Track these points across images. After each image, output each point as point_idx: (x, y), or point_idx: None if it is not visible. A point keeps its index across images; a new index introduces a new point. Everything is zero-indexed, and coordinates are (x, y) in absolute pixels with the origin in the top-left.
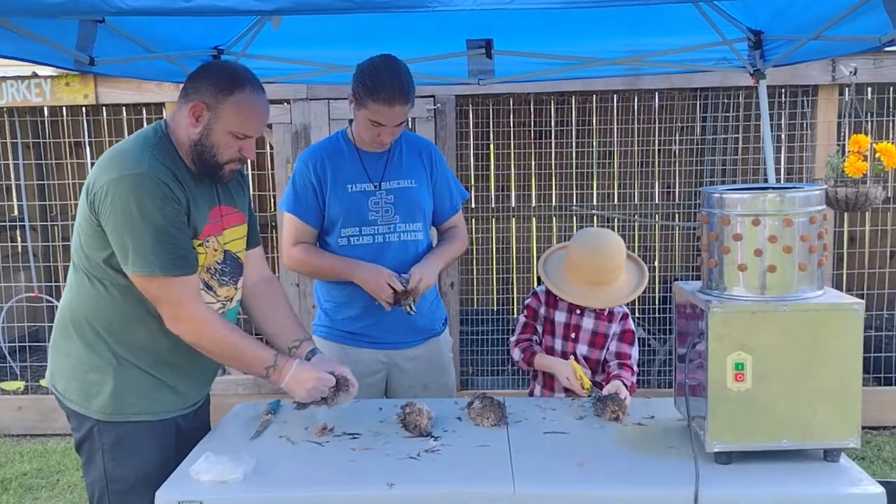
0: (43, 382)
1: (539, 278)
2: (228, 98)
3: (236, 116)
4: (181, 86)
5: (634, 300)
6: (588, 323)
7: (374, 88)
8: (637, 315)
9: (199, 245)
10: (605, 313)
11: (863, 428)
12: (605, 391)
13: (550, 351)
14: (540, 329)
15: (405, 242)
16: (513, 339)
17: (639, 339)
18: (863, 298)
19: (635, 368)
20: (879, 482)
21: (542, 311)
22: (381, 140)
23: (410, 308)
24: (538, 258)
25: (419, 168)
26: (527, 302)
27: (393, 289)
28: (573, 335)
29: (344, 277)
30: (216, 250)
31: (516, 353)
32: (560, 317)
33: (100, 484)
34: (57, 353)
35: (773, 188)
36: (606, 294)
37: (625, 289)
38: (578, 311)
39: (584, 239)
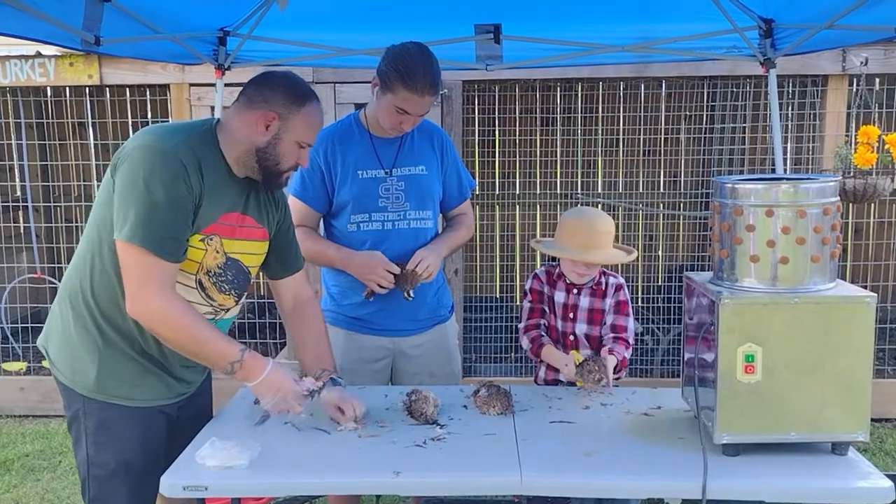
0: (46, 364)
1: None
2: (301, 110)
3: (304, 127)
4: (185, 68)
5: (638, 290)
6: (585, 301)
7: (407, 75)
8: (640, 304)
9: (200, 240)
10: (601, 288)
11: None
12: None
13: (552, 331)
14: (546, 309)
15: (415, 230)
16: (521, 325)
17: (641, 329)
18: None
19: (630, 341)
20: (886, 475)
21: (546, 290)
22: (402, 128)
23: (408, 294)
24: None
25: (430, 155)
26: (528, 286)
27: (394, 274)
28: (571, 315)
29: (337, 267)
30: (217, 252)
31: (525, 342)
32: (559, 297)
33: (83, 467)
34: (53, 315)
35: (787, 179)
36: (601, 254)
37: (618, 255)
38: (576, 291)
39: (574, 211)
